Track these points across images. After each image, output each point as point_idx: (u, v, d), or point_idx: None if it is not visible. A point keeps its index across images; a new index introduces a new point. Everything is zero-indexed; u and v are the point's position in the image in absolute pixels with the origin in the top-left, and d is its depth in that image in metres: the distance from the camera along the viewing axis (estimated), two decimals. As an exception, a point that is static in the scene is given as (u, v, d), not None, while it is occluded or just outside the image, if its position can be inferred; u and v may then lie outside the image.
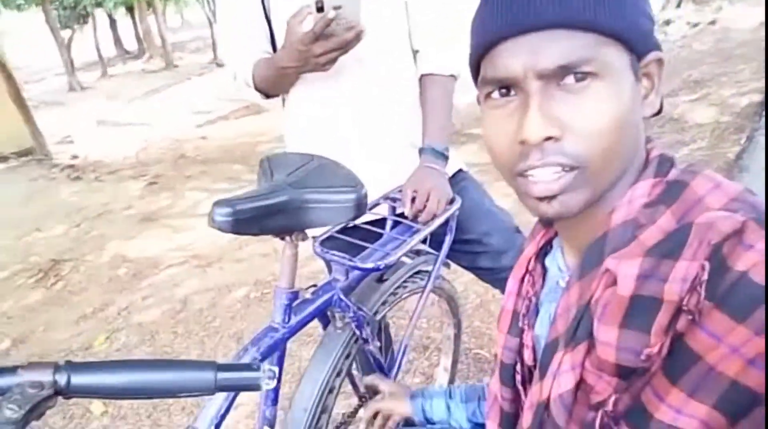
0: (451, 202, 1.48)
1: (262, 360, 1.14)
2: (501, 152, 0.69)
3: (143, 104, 13.54)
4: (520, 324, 0.86)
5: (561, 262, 0.82)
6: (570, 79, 0.63)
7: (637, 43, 0.66)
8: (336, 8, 1.25)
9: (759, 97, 5.18)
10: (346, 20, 1.28)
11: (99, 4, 17.81)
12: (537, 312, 0.86)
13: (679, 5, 10.45)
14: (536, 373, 0.78)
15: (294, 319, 1.20)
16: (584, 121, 0.63)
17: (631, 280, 0.62)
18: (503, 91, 0.68)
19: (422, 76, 1.59)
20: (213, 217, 0.99)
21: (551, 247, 0.86)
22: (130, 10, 20.57)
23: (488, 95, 0.70)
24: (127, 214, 5.66)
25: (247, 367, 0.59)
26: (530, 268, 0.87)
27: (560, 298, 0.74)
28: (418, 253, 1.57)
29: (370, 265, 1.26)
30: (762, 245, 0.55)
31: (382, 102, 1.52)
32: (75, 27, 20.18)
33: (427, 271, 1.57)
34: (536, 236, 0.88)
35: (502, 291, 1.71)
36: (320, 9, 1.24)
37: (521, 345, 0.87)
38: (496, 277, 1.70)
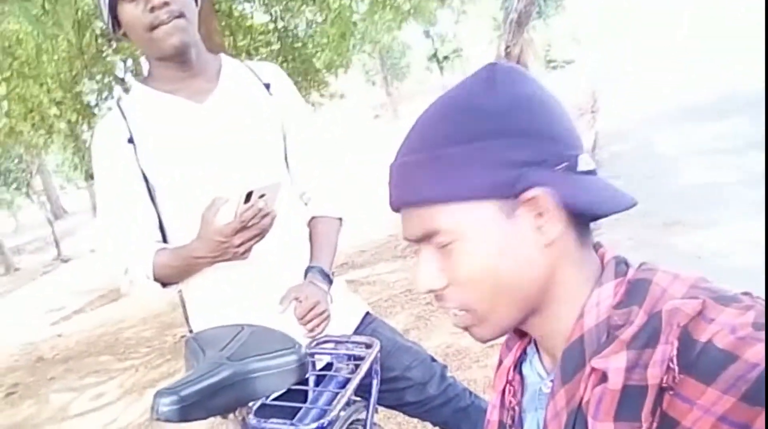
0: (370, 345, 1.50)
1: None
2: None
3: (-13, 313, 12.52)
4: None
5: (540, 368, 0.84)
6: (436, 244, 0.73)
7: (498, 191, 0.71)
8: (261, 197, 1.28)
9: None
10: (265, 207, 1.31)
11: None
12: (521, 421, 0.87)
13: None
14: None
15: (249, 500, 1.12)
16: (459, 276, 0.73)
17: (621, 373, 0.65)
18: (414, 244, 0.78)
19: (312, 218, 1.66)
20: (157, 409, 0.94)
21: (525, 355, 0.89)
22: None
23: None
24: (-14, 433, 5.08)
25: None
26: (510, 378, 0.89)
27: (547, 404, 0.76)
28: (347, 402, 1.54)
29: (314, 425, 1.22)
30: (722, 318, 0.62)
31: (286, 257, 1.54)
32: None
33: (360, 420, 1.53)
34: (512, 347, 0.90)
35: (433, 423, 1.73)
36: (247, 198, 1.27)
37: None
38: (424, 409, 1.70)
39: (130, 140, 1.49)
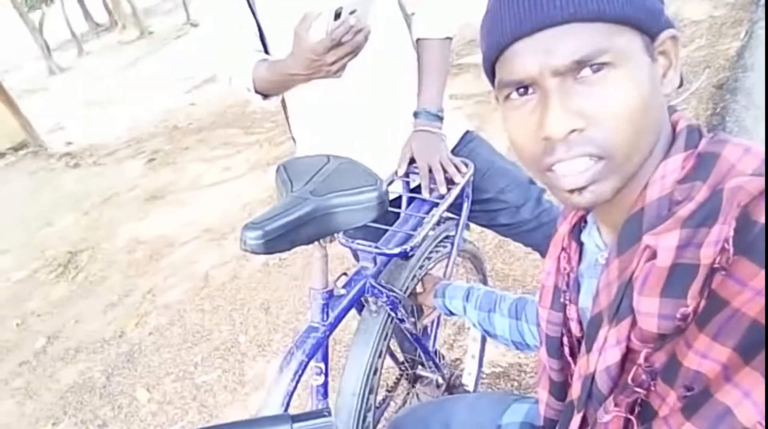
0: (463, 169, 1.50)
1: (309, 360, 1.19)
2: (526, 150, 0.71)
3: (126, 77, 13.35)
4: (562, 299, 0.90)
5: (598, 239, 0.84)
6: (586, 72, 0.65)
7: (649, 25, 0.67)
8: (352, 13, 1.22)
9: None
10: (357, 24, 1.26)
11: (64, -19, 17.21)
12: (578, 286, 0.89)
13: None
14: (583, 346, 0.82)
15: (332, 315, 1.23)
16: (607, 110, 0.65)
17: (671, 251, 0.64)
18: (521, 90, 0.70)
19: (418, 39, 1.58)
20: (245, 241, 1.01)
21: (585, 223, 0.89)
22: (96, -19, 19.89)
23: (507, 97, 0.72)
24: (132, 195, 5.68)
25: (319, 414, 0.62)
26: (565, 245, 0.90)
27: (600, 274, 0.77)
28: (438, 222, 1.59)
29: (397, 250, 1.28)
30: None
31: (384, 74, 1.52)
32: (43, 8, 19.71)
33: (449, 237, 1.59)
34: (568, 215, 0.90)
35: (524, 244, 1.77)
36: (337, 16, 1.22)
37: (566, 318, 0.90)
38: (516, 232, 1.73)
39: None
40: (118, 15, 20.72)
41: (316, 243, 1.16)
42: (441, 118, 1.53)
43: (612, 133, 0.65)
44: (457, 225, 1.59)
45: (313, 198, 1.08)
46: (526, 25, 0.66)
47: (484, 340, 1.90)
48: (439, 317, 1.65)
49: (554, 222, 1.67)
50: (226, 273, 3.72)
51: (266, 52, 1.55)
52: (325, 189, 1.11)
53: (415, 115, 1.52)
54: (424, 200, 1.49)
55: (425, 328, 1.65)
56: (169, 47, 15.35)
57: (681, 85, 0.73)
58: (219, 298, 3.47)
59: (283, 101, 1.66)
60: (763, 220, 0.58)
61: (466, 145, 1.67)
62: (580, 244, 0.89)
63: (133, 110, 9.53)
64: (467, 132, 1.70)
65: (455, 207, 1.51)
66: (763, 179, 0.60)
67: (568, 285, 0.89)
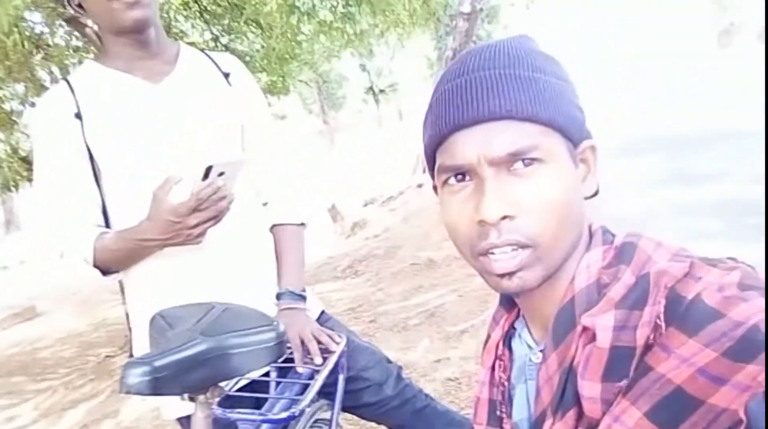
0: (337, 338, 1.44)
1: None
2: (462, 233, 0.74)
3: None
4: (498, 413, 0.87)
5: (529, 339, 0.84)
6: (519, 165, 0.71)
7: (573, 133, 0.75)
8: (220, 175, 1.20)
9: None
10: (223, 187, 1.23)
11: None
12: (510, 398, 0.86)
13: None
14: None
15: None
16: (535, 201, 0.70)
17: (609, 331, 0.66)
18: (459, 177, 0.74)
19: (273, 226, 1.59)
20: (126, 381, 0.84)
21: (514, 330, 0.88)
22: None
23: (445, 182, 0.76)
24: None
25: None
26: (499, 353, 0.89)
27: (538, 371, 0.76)
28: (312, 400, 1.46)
29: (284, 414, 1.14)
30: (709, 277, 0.63)
31: (243, 244, 1.47)
32: None
33: (322, 420, 1.46)
34: (500, 321, 0.90)
35: (389, 425, 1.66)
36: (205, 176, 1.18)
37: None
38: (382, 411, 1.63)
39: (78, 116, 1.38)
40: None
41: (201, 398, 0.99)
42: (304, 298, 1.51)
43: (538, 223, 0.70)
44: (331, 405, 1.46)
45: (204, 338, 0.94)
46: (468, 117, 0.72)
47: None
48: None
49: (416, 398, 1.65)
50: None
51: (107, 226, 1.44)
52: (217, 329, 0.98)
53: (279, 296, 1.49)
54: (295, 371, 1.37)
55: None
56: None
57: (597, 193, 0.80)
58: None
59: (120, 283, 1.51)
60: (691, 295, 0.61)
61: (324, 324, 1.61)
62: (511, 352, 0.88)
63: None
64: (323, 311, 1.68)
65: (325, 388, 1.40)
66: (685, 262, 0.65)
67: (503, 395, 0.87)
